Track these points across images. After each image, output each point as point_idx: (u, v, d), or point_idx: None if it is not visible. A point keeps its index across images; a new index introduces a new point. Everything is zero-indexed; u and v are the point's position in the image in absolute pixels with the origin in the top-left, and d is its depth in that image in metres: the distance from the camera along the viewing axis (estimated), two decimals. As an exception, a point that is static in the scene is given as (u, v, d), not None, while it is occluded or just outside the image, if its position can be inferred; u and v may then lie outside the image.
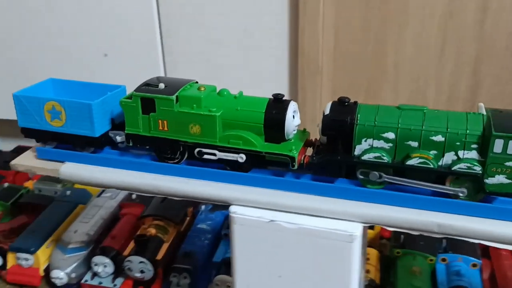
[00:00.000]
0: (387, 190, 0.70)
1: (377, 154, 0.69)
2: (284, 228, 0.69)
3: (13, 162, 0.83)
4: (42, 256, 1.08)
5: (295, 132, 0.76)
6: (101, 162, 0.80)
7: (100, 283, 1.05)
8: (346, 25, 1.29)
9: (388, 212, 0.68)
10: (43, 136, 0.84)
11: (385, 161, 0.68)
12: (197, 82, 0.80)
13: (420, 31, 1.27)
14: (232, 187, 0.74)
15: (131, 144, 0.80)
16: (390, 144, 0.68)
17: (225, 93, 0.77)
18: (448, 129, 0.66)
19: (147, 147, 0.80)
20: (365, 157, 0.69)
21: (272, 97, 0.75)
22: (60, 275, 1.04)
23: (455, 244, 1.01)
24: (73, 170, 0.80)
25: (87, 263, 1.08)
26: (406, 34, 1.28)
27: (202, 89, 0.77)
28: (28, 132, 0.84)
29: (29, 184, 1.35)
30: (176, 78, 0.81)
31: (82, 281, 1.05)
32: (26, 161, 0.83)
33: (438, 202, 0.68)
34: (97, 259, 1.04)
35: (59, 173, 0.80)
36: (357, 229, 0.67)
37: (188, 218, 1.17)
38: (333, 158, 0.71)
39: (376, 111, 0.69)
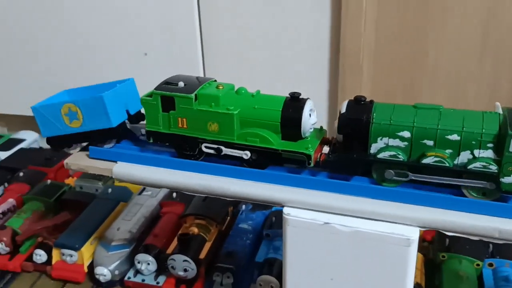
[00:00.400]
0: (442, 194, 0.70)
1: (392, 153, 0.69)
2: (338, 230, 0.69)
3: (66, 161, 0.84)
4: (86, 252, 1.10)
5: (311, 130, 0.77)
6: (152, 162, 0.81)
7: (143, 280, 1.06)
8: (387, 24, 1.28)
9: (446, 217, 0.67)
10: (67, 141, 0.87)
11: (401, 159, 0.69)
12: (215, 81, 0.82)
13: (461, 30, 1.26)
14: (285, 189, 0.74)
15: (151, 141, 0.82)
16: (406, 143, 0.69)
17: (243, 91, 0.79)
18: (464, 128, 0.66)
19: (167, 144, 0.83)
20: (381, 155, 0.70)
21: (289, 96, 0.76)
22: (104, 272, 1.06)
23: (502, 249, 0.99)
24: (126, 169, 0.81)
25: (130, 261, 1.09)
26: (446, 34, 1.26)
27: (221, 87, 0.79)
28: (53, 142, 0.88)
29: (70, 181, 1.37)
30: (195, 77, 0.82)
31: (125, 278, 1.06)
32: (79, 161, 0.84)
33: (493, 206, 0.67)
34: (140, 257, 1.05)
35: (112, 172, 0.81)
36: (414, 233, 0.66)
37: (228, 218, 1.17)
38: (349, 156, 0.72)
39: (392, 110, 0.70)
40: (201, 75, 1.42)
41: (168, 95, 0.77)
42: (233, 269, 1.00)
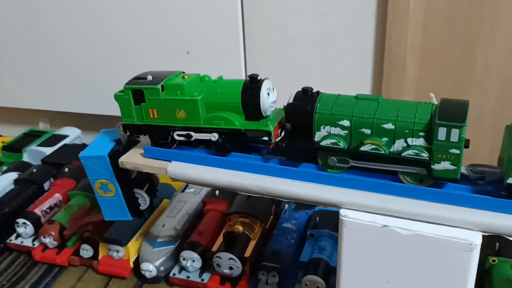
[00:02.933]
0: (496, 198, 0.68)
1: (334, 140, 0.73)
2: (398, 234, 0.68)
3: (121, 159, 0.86)
4: (132, 248, 1.12)
5: (272, 108, 0.81)
6: (206, 161, 0.82)
7: (188, 277, 1.07)
8: (434, 24, 1.25)
9: (509, 221, 0.66)
10: None
11: (341, 147, 0.73)
12: (183, 72, 0.86)
13: (512, 31, 1.23)
14: (343, 190, 0.73)
15: (128, 134, 0.88)
16: (346, 131, 0.73)
17: (206, 79, 0.83)
18: (398, 118, 0.70)
19: (143, 135, 0.88)
20: (324, 143, 0.74)
21: (248, 78, 0.79)
22: (150, 268, 1.07)
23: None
24: (180, 169, 0.81)
25: (174, 257, 1.10)
26: (497, 34, 1.23)
27: (186, 77, 0.84)
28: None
29: (113, 177, 1.39)
30: (164, 71, 0.87)
31: (170, 274, 1.08)
32: (134, 159, 0.85)
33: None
34: (186, 253, 1.06)
35: (167, 172, 0.82)
36: (477, 238, 0.65)
37: (271, 217, 1.18)
38: (296, 144, 0.77)
39: (335, 100, 0.74)
40: (243, 73, 1.43)
41: (137, 88, 0.82)
42: (278, 268, 1.00)
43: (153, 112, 0.84)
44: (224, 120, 0.80)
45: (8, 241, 1.20)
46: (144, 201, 0.99)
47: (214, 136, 0.81)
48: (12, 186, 1.34)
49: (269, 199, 1.17)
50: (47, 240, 1.15)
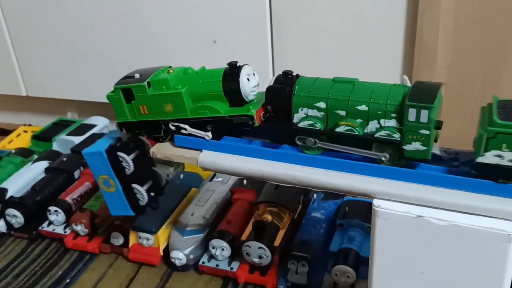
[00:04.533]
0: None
1: (310, 122, 0.75)
2: (432, 224, 0.67)
3: (152, 149, 0.86)
4: (162, 236, 1.13)
5: (254, 93, 0.83)
6: (237, 151, 0.82)
7: (217, 265, 1.08)
8: (467, 12, 1.22)
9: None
10: None
11: (318, 128, 0.75)
12: (171, 67, 0.88)
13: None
14: (376, 180, 0.73)
15: (124, 131, 0.91)
16: (322, 113, 0.75)
17: (190, 71, 0.85)
18: (371, 99, 0.71)
19: (137, 131, 0.90)
20: (301, 124, 0.76)
21: (227, 65, 0.82)
22: (179, 256, 1.08)
23: None
24: (211, 158, 0.82)
25: (203, 246, 1.11)
26: (533, 21, 1.20)
27: (171, 71, 0.86)
28: None
29: (141, 166, 1.40)
30: (151, 67, 0.89)
31: (200, 262, 1.09)
32: (165, 149, 0.86)
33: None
34: (215, 242, 1.07)
35: (198, 161, 0.82)
36: (515, 229, 0.64)
37: (300, 206, 1.17)
38: (276, 126, 0.79)
39: (313, 83, 0.76)
40: (270, 64, 1.42)
41: (126, 87, 0.85)
42: (308, 258, 1.00)
43: (143, 108, 0.87)
44: (209, 109, 0.82)
45: (40, 228, 1.23)
46: (142, 197, 1.02)
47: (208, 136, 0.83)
48: (43, 175, 1.36)
49: (297, 189, 1.17)
50: (79, 228, 1.17)
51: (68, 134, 1.54)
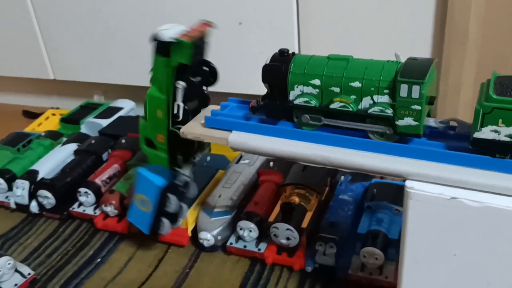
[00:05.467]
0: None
1: (306, 99, 0.77)
2: (467, 206, 0.67)
3: (182, 129, 0.87)
4: (190, 217, 1.14)
5: None
6: (267, 131, 0.82)
7: (245, 246, 1.08)
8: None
9: None
10: None
11: (313, 105, 0.77)
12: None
13: None
14: (409, 161, 0.72)
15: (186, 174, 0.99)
16: (317, 90, 0.77)
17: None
18: (365, 76, 0.73)
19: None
20: (297, 101, 0.78)
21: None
22: (207, 237, 1.09)
23: None
24: (242, 139, 0.82)
25: (231, 227, 1.12)
26: None
27: None
28: None
29: (168, 149, 1.42)
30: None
31: (227, 243, 1.10)
32: (195, 129, 0.86)
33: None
34: (243, 223, 1.08)
35: (228, 142, 0.82)
36: (553, 211, 0.63)
37: (327, 188, 1.17)
38: (272, 103, 0.81)
39: (308, 61, 0.77)
40: (296, 44, 1.40)
41: None
42: (336, 240, 1.00)
43: None
44: None
45: (71, 209, 1.25)
46: (163, 228, 1.05)
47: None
48: (73, 157, 1.38)
49: (324, 171, 1.17)
50: (108, 209, 1.19)
51: (96, 117, 1.56)
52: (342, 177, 1.19)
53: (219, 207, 1.13)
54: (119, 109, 1.60)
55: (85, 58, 1.73)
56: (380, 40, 1.33)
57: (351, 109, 0.75)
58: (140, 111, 1.65)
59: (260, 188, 1.18)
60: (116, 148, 1.39)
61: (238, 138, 0.82)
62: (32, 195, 1.27)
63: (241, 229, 1.08)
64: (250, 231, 1.08)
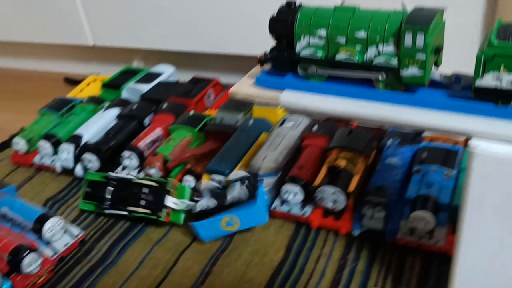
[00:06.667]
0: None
1: (312, 49, 0.77)
2: (536, 166, 0.63)
3: (232, 89, 0.85)
4: (234, 179, 1.13)
5: None
6: (318, 90, 0.79)
7: (289, 210, 1.07)
8: None
9: None
10: None
11: (319, 56, 0.77)
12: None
13: None
14: (474, 118, 0.68)
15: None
16: (323, 41, 0.76)
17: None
18: (370, 25, 0.72)
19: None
20: (303, 53, 0.78)
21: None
22: (252, 200, 1.09)
23: None
24: (294, 98, 0.79)
25: (275, 190, 1.11)
26: None
27: None
28: None
29: (210, 113, 1.41)
30: None
31: (272, 207, 1.09)
32: (245, 89, 0.84)
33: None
34: (288, 187, 1.06)
35: (279, 101, 0.80)
36: None
37: (374, 152, 1.14)
38: (279, 55, 0.81)
39: (314, 12, 0.77)
40: None
41: None
42: (385, 203, 0.98)
43: None
44: None
45: (115, 173, 1.26)
46: None
47: None
48: (115, 121, 1.39)
49: (371, 134, 1.14)
50: (152, 171, 1.20)
51: (136, 82, 1.56)
52: (390, 141, 1.16)
53: (263, 169, 1.12)
54: (159, 74, 1.59)
55: (124, 23, 1.72)
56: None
57: (356, 60, 0.75)
58: (180, 76, 1.65)
59: (304, 152, 1.16)
60: (157, 112, 1.39)
61: (291, 97, 0.80)
62: (77, 159, 1.29)
63: (286, 192, 1.07)
64: (295, 194, 1.06)
